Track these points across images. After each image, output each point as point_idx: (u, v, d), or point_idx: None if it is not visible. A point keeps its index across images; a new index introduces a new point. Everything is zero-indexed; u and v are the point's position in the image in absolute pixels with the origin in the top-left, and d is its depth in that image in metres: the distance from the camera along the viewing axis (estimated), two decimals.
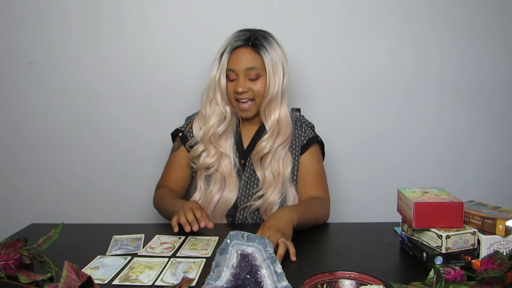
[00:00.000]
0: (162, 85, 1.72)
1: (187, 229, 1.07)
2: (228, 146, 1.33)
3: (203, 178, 1.35)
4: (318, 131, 1.43)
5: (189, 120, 1.42)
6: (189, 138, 1.37)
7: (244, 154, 1.36)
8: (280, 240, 0.98)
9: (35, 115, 1.75)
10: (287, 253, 0.98)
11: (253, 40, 1.29)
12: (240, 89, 1.27)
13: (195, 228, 1.07)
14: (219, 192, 1.31)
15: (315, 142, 1.37)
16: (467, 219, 0.97)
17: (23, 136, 1.77)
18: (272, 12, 1.68)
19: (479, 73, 1.75)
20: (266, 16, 1.66)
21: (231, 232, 0.84)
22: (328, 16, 1.70)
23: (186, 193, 1.42)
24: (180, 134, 1.39)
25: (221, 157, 1.32)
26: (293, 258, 0.98)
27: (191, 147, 1.35)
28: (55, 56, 1.71)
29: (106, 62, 1.71)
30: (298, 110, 1.57)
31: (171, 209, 1.20)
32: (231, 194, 1.31)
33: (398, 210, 1.06)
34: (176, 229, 1.10)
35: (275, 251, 0.95)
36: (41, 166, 1.78)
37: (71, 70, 1.72)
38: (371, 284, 0.77)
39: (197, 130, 1.35)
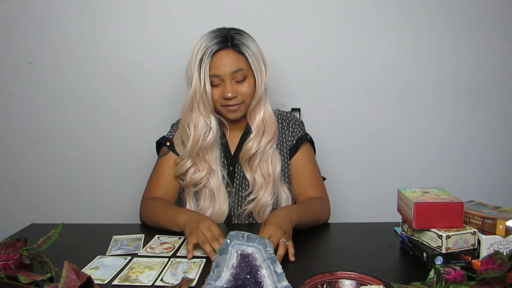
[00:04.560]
0: (164, 84, 1.71)
1: (214, 258, 0.88)
2: (214, 159, 1.27)
3: (191, 195, 1.29)
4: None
5: (176, 128, 1.35)
6: (174, 150, 1.31)
7: (232, 160, 1.32)
8: (281, 240, 0.98)
9: (35, 115, 1.75)
10: (286, 253, 0.98)
11: (231, 40, 1.21)
12: (229, 94, 1.20)
13: None
14: (210, 207, 1.27)
15: (305, 140, 1.33)
16: (467, 219, 0.97)
17: (23, 136, 1.77)
18: (271, 12, 1.68)
19: (477, 73, 1.75)
20: (265, 16, 1.66)
21: (231, 232, 0.84)
22: (326, 16, 1.70)
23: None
24: (168, 143, 1.32)
25: (209, 171, 1.27)
26: (292, 258, 0.97)
27: (178, 163, 1.29)
28: (55, 56, 1.71)
29: (105, 61, 1.71)
30: (298, 110, 1.57)
31: (174, 222, 1.12)
32: (222, 209, 1.27)
33: (398, 210, 1.06)
34: (191, 255, 0.98)
35: (275, 250, 0.95)
36: (41, 166, 1.78)
37: (71, 70, 1.72)
38: (371, 284, 0.77)
39: (180, 146, 1.29)
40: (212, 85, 1.22)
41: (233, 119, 1.27)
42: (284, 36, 1.66)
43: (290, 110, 1.57)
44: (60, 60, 1.71)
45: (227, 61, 1.20)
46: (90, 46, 1.70)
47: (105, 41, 1.70)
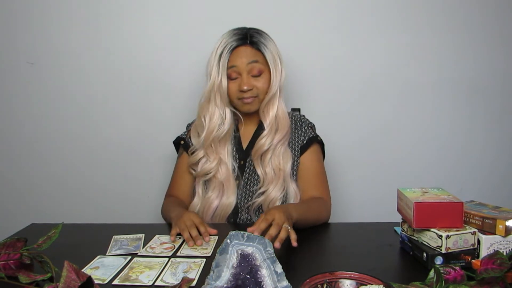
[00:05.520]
0: (163, 84, 1.72)
1: (190, 244, 1.07)
2: (226, 152, 1.33)
3: (201, 184, 1.34)
4: (317, 131, 1.43)
5: (190, 127, 1.41)
6: (190, 145, 1.37)
7: (244, 154, 1.36)
8: (284, 225, 0.98)
9: (35, 115, 1.75)
10: (286, 252, 0.98)
11: (250, 37, 1.29)
12: (245, 87, 1.27)
13: (199, 243, 1.07)
14: (218, 198, 1.31)
15: (315, 142, 1.37)
16: (467, 219, 0.97)
17: (23, 136, 1.77)
18: (271, 12, 1.68)
19: (477, 73, 1.75)
20: (265, 16, 1.66)
21: (231, 232, 0.84)
22: (327, 16, 1.70)
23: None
24: (182, 142, 1.39)
25: (220, 163, 1.32)
26: (295, 243, 0.97)
27: (192, 153, 1.35)
28: (55, 56, 1.71)
29: (106, 61, 1.71)
30: (298, 110, 1.57)
31: (171, 218, 1.21)
32: (229, 200, 1.30)
33: (398, 210, 1.06)
34: (173, 238, 1.10)
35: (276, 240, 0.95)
36: (42, 166, 1.78)
37: (71, 69, 1.72)
38: (371, 284, 0.77)
39: (195, 138, 1.35)
40: (230, 78, 1.29)
41: (246, 112, 1.33)
42: (284, 36, 1.65)
43: (290, 110, 1.58)
44: (60, 60, 1.71)
45: (245, 54, 1.28)
46: (90, 46, 1.70)
47: (105, 41, 1.70)
